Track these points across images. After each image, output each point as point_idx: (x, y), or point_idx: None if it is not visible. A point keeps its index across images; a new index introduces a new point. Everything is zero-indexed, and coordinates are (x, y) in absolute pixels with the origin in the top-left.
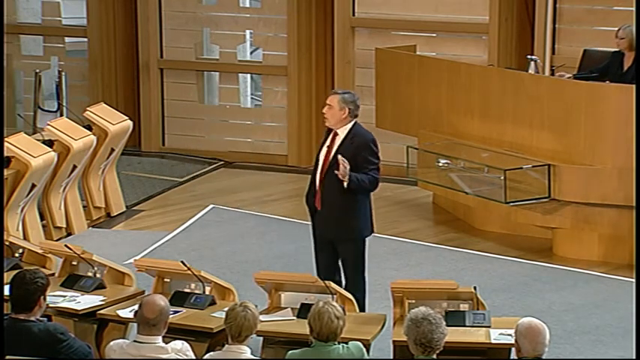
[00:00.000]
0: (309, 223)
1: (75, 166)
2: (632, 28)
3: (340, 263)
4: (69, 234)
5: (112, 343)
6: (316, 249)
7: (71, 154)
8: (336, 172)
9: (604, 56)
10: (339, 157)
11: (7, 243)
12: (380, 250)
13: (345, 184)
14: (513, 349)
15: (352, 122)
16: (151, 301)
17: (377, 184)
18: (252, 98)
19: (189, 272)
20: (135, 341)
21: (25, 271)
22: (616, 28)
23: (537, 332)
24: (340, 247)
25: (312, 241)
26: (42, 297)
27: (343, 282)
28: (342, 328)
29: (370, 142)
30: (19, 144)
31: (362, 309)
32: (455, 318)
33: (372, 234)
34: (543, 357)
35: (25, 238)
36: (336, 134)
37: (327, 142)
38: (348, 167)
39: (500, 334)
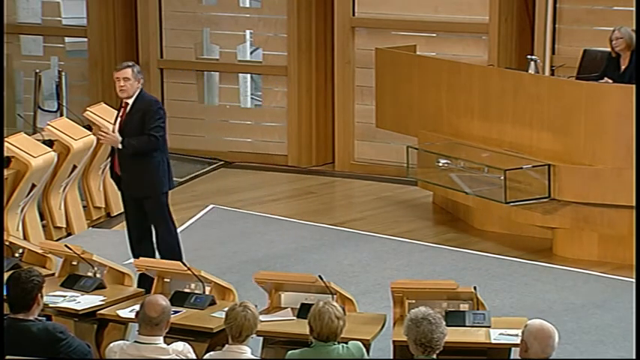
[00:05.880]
0: (310, 223)
1: (75, 166)
2: (628, 29)
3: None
4: (69, 234)
5: (112, 344)
6: (126, 212)
7: (71, 154)
8: (105, 142)
9: (604, 56)
10: (95, 130)
11: (7, 243)
12: (380, 250)
13: (120, 147)
14: (514, 349)
15: (139, 90)
16: (153, 300)
17: (157, 143)
18: (252, 98)
19: (189, 272)
20: (136, 342)
21: (20, 270)
22: None
23: (548, 335)
24: (145, 204)
25: (124, 212)
26: (39, 294)
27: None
28: (342, 328)
29: (152, 105)
30: (19, 144)
31: (179, 257)
32: (455, 318)
33: (171, 188)
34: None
35: (25, 238)
36: (126, 103)
37: (121, 112)
38: (111, 136)
39: (500, 334)
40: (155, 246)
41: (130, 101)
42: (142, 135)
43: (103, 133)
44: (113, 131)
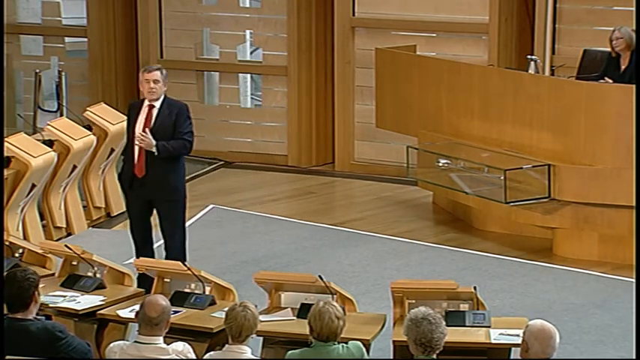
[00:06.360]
0: (310, 223)
1: (75, 166)
2: (628, 29)
3: (160, 223)
4: (69, 234)
5: (112, 344)
6: (134, 215)
7: (71, 154)
8: (141, 145)
9: (604, 56)
10: (138, 133)
11: (7, 243)
12: (380, 250)
13: (156, 152)
14: (514, 349)
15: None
16: (153, 300)
17: (191, 147)
18: (252, 98)
19: (189, 272)
20: (135, 342)
21: (15, 270)
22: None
23: (549, 335)
24: (163, 207)
25: (129, 214)
26: (36, 292)
27: (156, 243)
28: (342, 328)
29: (184, 109)
30: (19, 144)
31: (183, 258)
32: (455, 318)
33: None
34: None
35: (25, 238)
36: (152, 107)
37: (144, 115)
38: (149, 139)
39: (500, 334)
40: (155, 247)
41: (157, 104)
42: (174, 139)
43: (142, 137)
44: (144, 132)
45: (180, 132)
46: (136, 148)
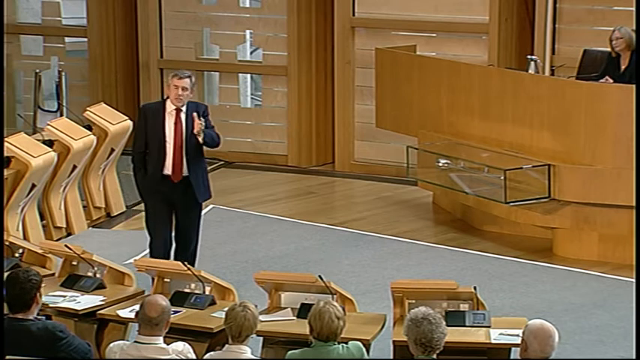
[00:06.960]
0: (310, 223)
1: (75, 166)
2: (628, 29)
3: (177, 227)
4: (69, 234)
5: (112, 344)
6: (161, 216)
7: (71, 154)
8: (197, 130)
9: (604, 56)
10: (194, 115)
11: (7, 243)
12: (380, 250)
13: (201, 139)
14: (514, 349)
15: None
16: (152, 300)
17: (220, 141)
18: (252, 98)
19: (189, 272)
20: (135, 342)
21: (18, 271)
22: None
23: (548, 335)
24: (191, 211)
25: (154, 216)
26: (38, 294)
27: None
28: (342, 328)
29: (207, 110)
30: (19, 144)
31: (192, 263)
32: (455, 318)
33: None
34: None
35: (25, 238)
36: (179, 110)
37: (172, 119)
38: (203, 123)
39: (500, 334)
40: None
41: (184, 108)
42: None
43: (200, 122)
44: (169, 139)
45: (210, 127)
46: (169, 151)
